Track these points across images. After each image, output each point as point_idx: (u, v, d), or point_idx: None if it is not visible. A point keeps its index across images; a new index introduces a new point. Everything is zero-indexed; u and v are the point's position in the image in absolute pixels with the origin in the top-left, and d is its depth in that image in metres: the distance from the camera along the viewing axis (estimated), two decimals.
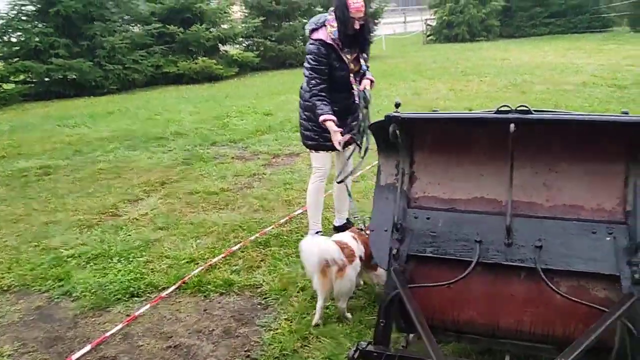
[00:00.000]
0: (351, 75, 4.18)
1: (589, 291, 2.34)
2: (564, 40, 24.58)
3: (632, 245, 2.26)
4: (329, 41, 4.01)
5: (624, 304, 2.12)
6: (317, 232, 4.51)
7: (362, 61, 4.25)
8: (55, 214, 5.70)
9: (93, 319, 3.65)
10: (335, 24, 3.97)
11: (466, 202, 2.63)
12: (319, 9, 21.35)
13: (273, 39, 20.61)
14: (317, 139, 4.28)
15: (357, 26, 3.99)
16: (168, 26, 17.47)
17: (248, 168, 7.13)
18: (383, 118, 2.56)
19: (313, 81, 4.06)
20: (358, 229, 3.75)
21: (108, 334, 3.42)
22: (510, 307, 2.43)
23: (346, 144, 4.24)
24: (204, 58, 17.85)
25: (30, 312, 3.79)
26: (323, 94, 4.07)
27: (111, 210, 5.77)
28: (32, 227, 5.36)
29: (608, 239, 2.33)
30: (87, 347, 3.28)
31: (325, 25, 4.02)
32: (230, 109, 11.48)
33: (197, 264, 4.32)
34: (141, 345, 3.31)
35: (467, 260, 2.43)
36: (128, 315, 3.63)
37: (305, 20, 20.49)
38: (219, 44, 19.46)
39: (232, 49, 20.59)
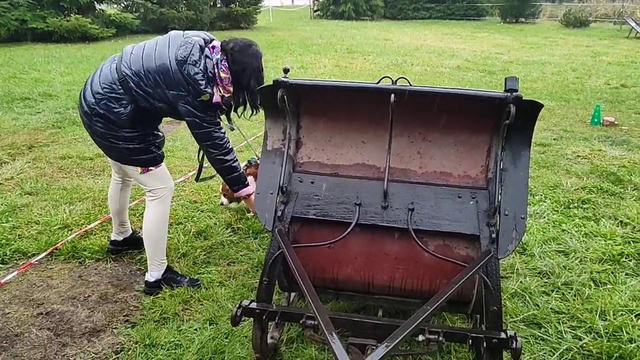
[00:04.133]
0: None
1: (452, 249, 2.57)
2: (442, 25, 26.01)
3: (491, 208, 2.52)
4: (222, 104, 3.15)
5: (482, 260, 2.37)
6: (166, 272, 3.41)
7: None
8: None
9: None
10: (231, 89, 3.14)
11: (348, 168, 2.75)
12: None
13: (154, 0, 19.66)
14: (154, 151, 3.20)
15: None
16: None
17: None
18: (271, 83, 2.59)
19: (223, 131, 3.19)
20: None
21: None
22: (384, 265, 2.61)
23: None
24: (78, 16, 16.64)
25: None
26: None
27: None
28: None
29: (471, 202, 2.57)
30: None
31: (217, 86, 3.08)
32: None
33: (71, 230, 4.10)
34: (8, 313, 3.10)
35: (347, 222, 2.56)
36: None
37: None
38: (95, 2, 18.20)
39: (109, 9, 19.35)
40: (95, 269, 3.64)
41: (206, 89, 2.99)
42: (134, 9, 19.78)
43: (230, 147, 3.22)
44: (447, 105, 2.60)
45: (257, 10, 24.15)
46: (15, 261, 3.69)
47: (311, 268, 2.60)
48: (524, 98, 2.36)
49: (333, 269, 2.66)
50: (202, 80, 2.97)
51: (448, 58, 14.52)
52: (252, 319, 2.49)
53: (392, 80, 2.53)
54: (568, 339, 2.92)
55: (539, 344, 2.90)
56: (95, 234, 4.05)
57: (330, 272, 2.67)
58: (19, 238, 3.96)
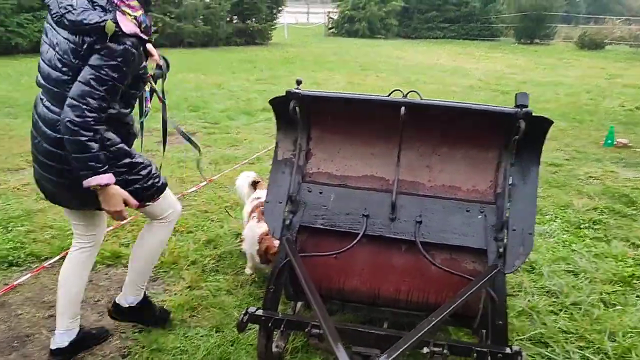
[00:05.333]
0: None
1: (459, 263, 2.58)
2: (456, 45, 26.09)
3: (499, 223, 2.52)
4: (141, 34, 2.41)
5: (489, 274, 2.37)
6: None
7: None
8: None
9: None
10: (136, 3, 2.45)
11: (357, 179, 2.78)
12: None
13: (172, 15, 19.98)
14: (155, 184, 2.69)
15: None
16: None
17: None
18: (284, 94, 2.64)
19: (105, 104, 2.33)
20: None
21: None
22: (390, 277, 2.62)
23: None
24: None
25: None
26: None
27: None
28: None
29: (479, 217, 2.58)
30: None
31: (117, 8, 2.35)
32: None
33: None
34: (20, 314, 3.15)
35: (355, 233, 2.58)
36: (6, 285, 3.44)
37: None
38: None
39: None
40: (106, 274, 3.69)
41: (101, 16, 2.28)
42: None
43: (98, 127, 2.33)
44: (457, 119, 2.63)
45: (273, 27, 24.44)
46: (29, 264, 3.75)
47: (318, 278, 2.62)
48: (534, 114, 2.38)
49: (339, 280, 2.67)
50: (87, 12, 2.30)
51: (461, 77, 14.56)
52: (257, 326, 2.51)
53: (403, 94, 2.57)
54: (576, 359, 2.90)
55: None
56: (106, 240, 4.09)
57: (336, 282, 2.68)
58: (34, 242, 4.03)
